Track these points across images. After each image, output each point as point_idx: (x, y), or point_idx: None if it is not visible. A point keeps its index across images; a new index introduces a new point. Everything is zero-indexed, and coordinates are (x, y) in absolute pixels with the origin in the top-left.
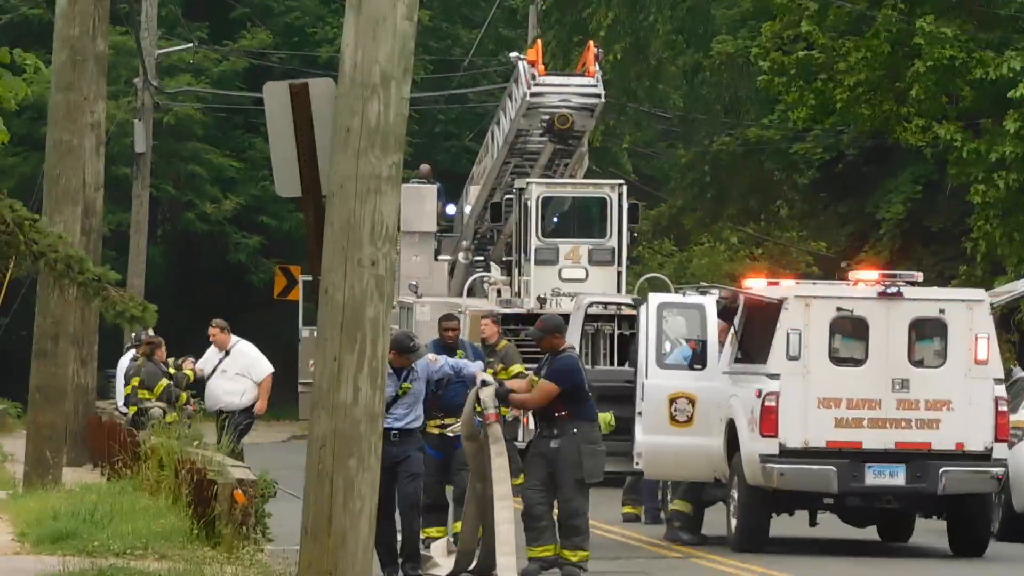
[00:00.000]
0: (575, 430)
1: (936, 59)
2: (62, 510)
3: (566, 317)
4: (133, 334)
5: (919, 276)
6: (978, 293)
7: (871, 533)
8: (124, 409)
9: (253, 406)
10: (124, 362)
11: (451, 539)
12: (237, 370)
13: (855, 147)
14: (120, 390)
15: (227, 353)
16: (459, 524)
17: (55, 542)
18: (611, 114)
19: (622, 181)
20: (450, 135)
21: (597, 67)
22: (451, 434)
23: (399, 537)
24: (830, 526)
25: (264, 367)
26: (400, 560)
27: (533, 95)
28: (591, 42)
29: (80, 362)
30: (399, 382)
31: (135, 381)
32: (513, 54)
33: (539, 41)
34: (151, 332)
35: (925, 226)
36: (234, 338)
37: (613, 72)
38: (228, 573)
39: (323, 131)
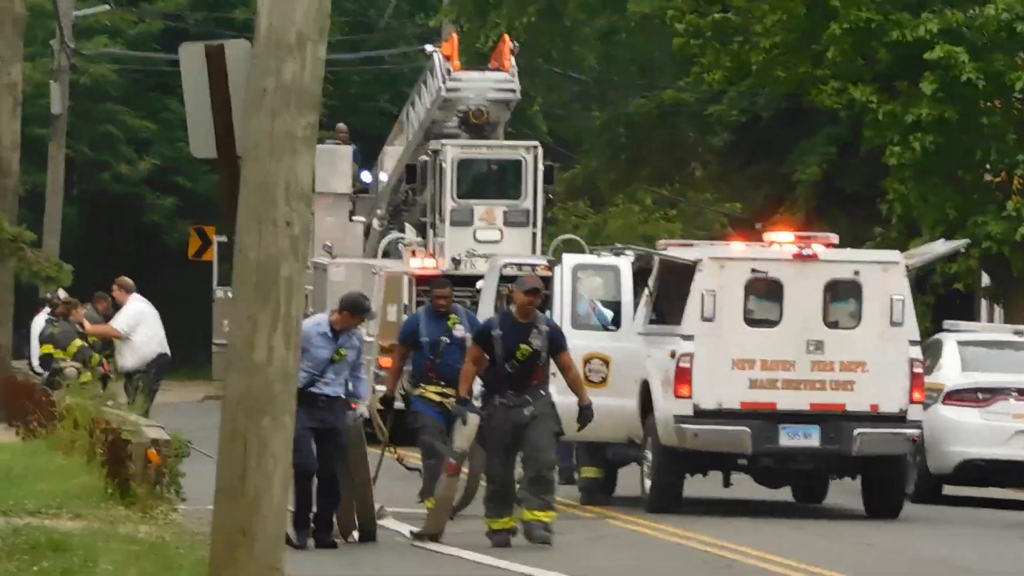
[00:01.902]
0: (543, 392)
1: (852, 21)
2: None
3: (480, 278)
4: (47, 294)
5: (834, 238)
6: (893, 255)
7: (785, 494)
8: (39, 369)
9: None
10: (38, 322)
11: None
12: (123, 327)
13: (770, 109)
14: (35, 350)
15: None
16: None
17: None
18: (525, 76)
19: (537, 143)
20: (366, 97)
21: (513, 61)
22: (449, 407)
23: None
24: (744, 487)
25: (116, 320)
26: (313, 527)
27: (449, 90)
28: (506, 35)
29: None
30: (335, 345)
31: (47, 347)
32: (428, 47)
33: (454, 35)
34: (62, 293)
35: (840, 188)
36: (131, 296)
37: (527, 34)
38: (142, 532)
39: (238, 92)
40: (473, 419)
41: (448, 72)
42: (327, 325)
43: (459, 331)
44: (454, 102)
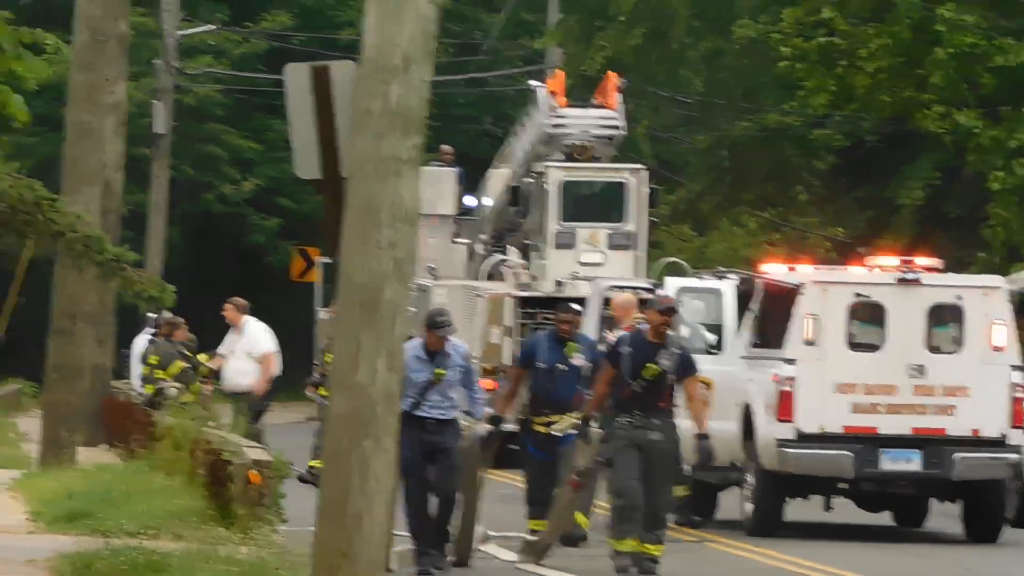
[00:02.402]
0: (671, 420)
1: (957, 46)
2: (77, 490)
3: (583, 301)
4: (151, 315)
5: (938, 262)
6: (995, 280)
7: (886, 518)
8: (140, 389)
9: (251, 389)
10: (140, 342)
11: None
12: (245, 349)
13: (875, 133)
14: (136, 370)
15: (241, 333)
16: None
17: (69, 521)
18: (630, 99)
19: (641, 166)
20: (470, 118)
21: (618, 98)
22: (557, 433)
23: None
24: (845, 511)
25: (263, 345)
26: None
27: (553, 126)
28: (611, 73)
29: (97, 341)
30: (432, 367)
31: (152, 360)
32: (533, 82)
33: (560, 71)
34: (168, 313)
35: (943, 212)
36: (245, 317)
37: (633, 56)
38: (243, 553)
39: (343, 113)
40: (594, 437)
41: (553, 108)
42: (421, 348)
43: (577, 360)
44: (558, 138)
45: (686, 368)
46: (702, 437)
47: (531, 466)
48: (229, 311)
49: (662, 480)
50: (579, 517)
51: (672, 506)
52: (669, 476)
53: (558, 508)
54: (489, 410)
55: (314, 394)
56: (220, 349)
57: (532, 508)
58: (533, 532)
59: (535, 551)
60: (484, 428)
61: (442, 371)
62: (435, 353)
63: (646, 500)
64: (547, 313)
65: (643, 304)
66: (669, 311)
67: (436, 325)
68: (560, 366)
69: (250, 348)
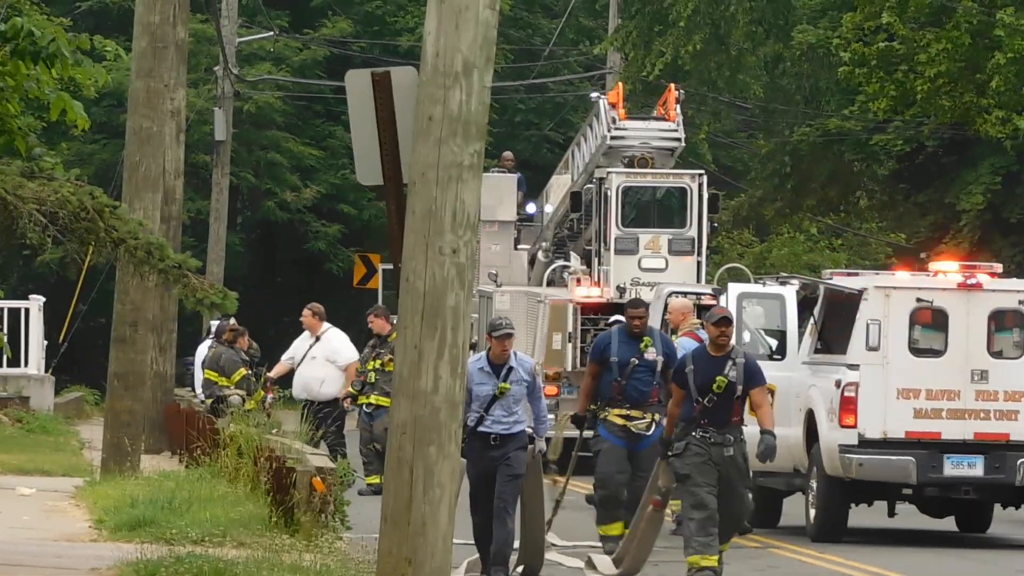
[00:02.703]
0: (741, 436)
1: (1016, 51)
2: (140, 497)
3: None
4: (212, 322)
5: (999, 267)
6: None
7: (949, 524)
8: (202, 397)
9: (336, 397)
10: (202, 350)
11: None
12: (325, 356)
13: (935, 138)
14: (198, 378)
15: (317, 339)
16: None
17: (132, 529)
18: (691, 104)
19: (702, 171)
20: (530, 124)
21: (678, 110)
22: (634, 430)
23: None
24: (908, 517)
25: (350, 354)
26: (491, 564)
27: (613, 138)
28: (672, 85)
29: (159, 349)
30: (497, 381)
31: (211, 374)
32: (594, 94)
33: (620, 84)
34: (232, 320)
35: (1004, 217)
36: (325, 325)
37: (693, 62)
38: (307, 561)
39: (405, 119)
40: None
41: (613, 121)
42: (486, 360)
43: (651, 354)
44: (618, 150)
45: (753, 378)
46: (766, 432)
47: (605, 452)
48: (308, 317)
49: (738, 497)
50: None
51: (751, 513)
52: (744, 493)
53: (640, 529)
54: (551, 432)
55: (352, 405)
56: (285, 356)
57: (603, 511)
58: (603, 539)
59: (619, 569)
60: (544, 444)
61: (506, 385)
62: (499, 366)
63: (725, 509)
64: (608, 320)
65: (704, 310)
66: (724, 322)
67: (497, 328)
68: (634, 360)
69: (333, 356)
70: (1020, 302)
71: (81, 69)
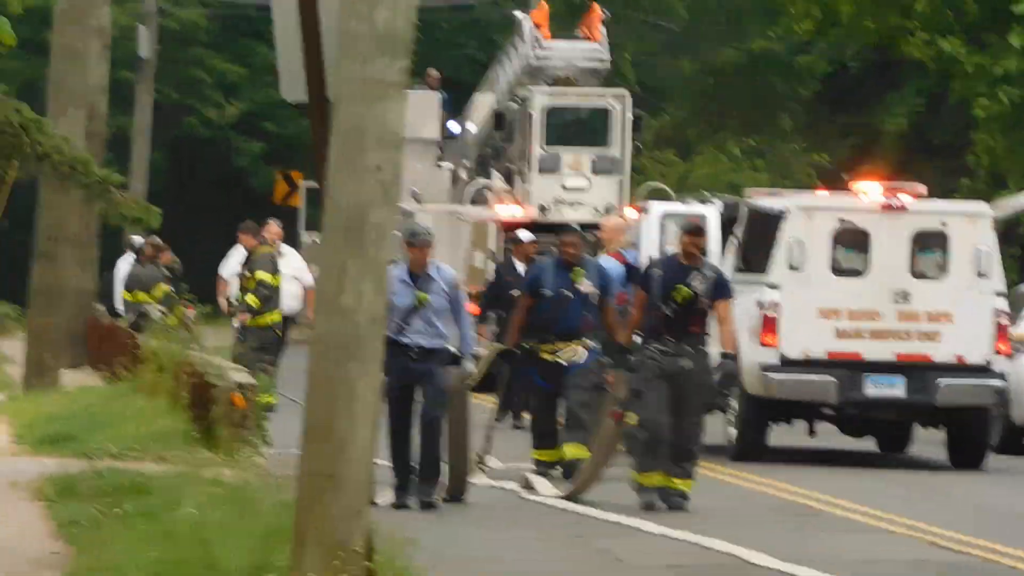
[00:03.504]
0: (703, 347)
1: None
2: (60, 412)
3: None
4: (134, 238)
5: (922, 189)
6: (980, 206)
7: (869, 444)
8: (120, 311)
9: (295, 315)
10: (123, 265)
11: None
12: (293, 273)
13: (859, 60)
14: (118, 293)
15: (280, 256)
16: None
17: (53, 444)
18: (614, 24)
19: (626, 91)
20: (454, 43)
21: (603, 30)
22: (563, 361)
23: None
24: (828, 436)
25: (309, 274)
26: (418, 480)
27: (538, 58)
28: (596, 5)
29: (80, 265)
30: (414, 290)
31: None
32: (519, 13)
33: (544, 3)
34: (153, 236)
35: (927, 139)
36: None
37: None
38: (226, 475)
39: (330, 37)
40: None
41: (538, 40)
42: (404, 270)
43: (584, 286)
44: (543, 70)
45: (719, 291)
46: (727, 356)
47: (537, 397)
48: (273, 231)
49: (693, 411)
50: (576, 449)
51: (701, 438)
52: (700, 406)
53: (600, 441)
54: (479, 349)
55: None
56: (224, 272)
57: (537, 439)
58: (538, 463)
59: (576, 486)
60: (472, 365)
61: (424, 295)
62: (418, 276)
63: (675, 432)
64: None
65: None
66: (696, 230)
67: (415, 235)
68: (566, 292)
69: (299, 273)
70: (943, 223)
71: None
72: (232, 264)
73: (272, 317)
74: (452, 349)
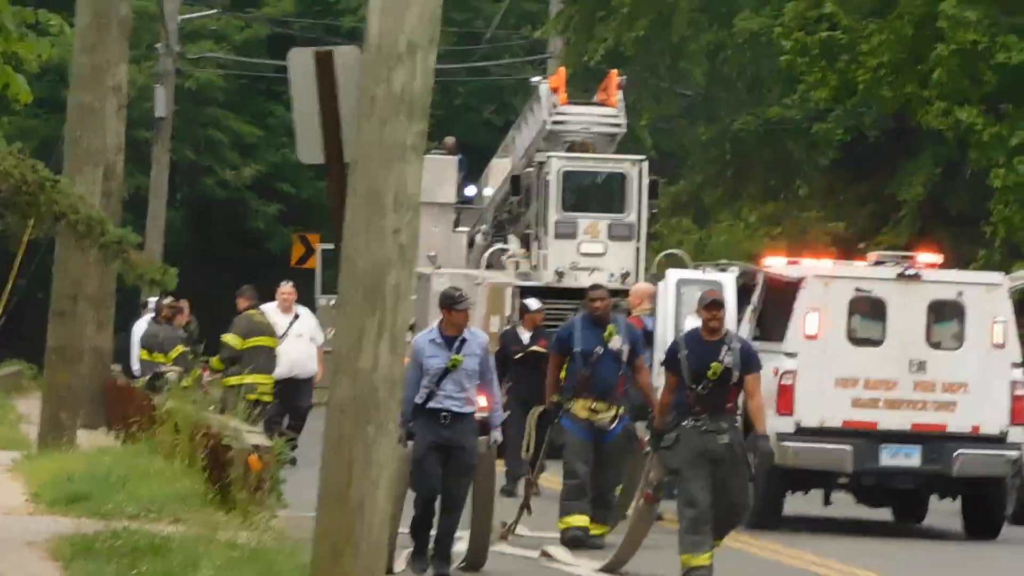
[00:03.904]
0: (736, 423)
1: (959, 42)
2: (76, 472)
3: (582, 292)
4: (149, 299)
5: (938, 258)
6: (997, 277)
7: (885, 514)
8: (137, 372)
9: (313, 377)
10: (140, 325)
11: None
12: (311, 334)
13: (876, 128)
14: (135, 353)
15: (297, 317)
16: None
17: (69, 503)
18: (632, 90)
19: (643, 157)
20: (470, 108)
21: (620, 95)
22: (597, 424)
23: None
24: (844, 506)
25: (321, 335)
26: (432, 555)
27: (554, 123)
28: (614, 72)
29: (97, 324)
30: (449, 353)
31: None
32: (536, 79)
33: (562, 69)
34: (170, 298)
35: (944, 209)
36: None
37: (635, 48)
38: (243, 537)
39: (347, 98)
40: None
41: (554, 105)
42: (437, 332)
43: (615, 343)
44: (559, 135)
45: (749, 363)
46: (760, 437)
47: (569, 444)
48: (291, 298)
49: (736, 485)
50: (599, 528)
51: (748, 507)
52: (744, 482)
53: (634, 523)
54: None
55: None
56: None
57: (567, 503)
58: (564, 531)
59: (608, 565)
60: (500, 434)
61: (459, 357)
62: (452, 338)
63: (719, 511)
64: (547, 302)
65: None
66: (714, 305)
67: (454, 301)
68: (598, 350)
69: (314, 333)
70: (959, 293)
71: (25, 43)
72: None
73: (233, 380)
74: (480, 417)
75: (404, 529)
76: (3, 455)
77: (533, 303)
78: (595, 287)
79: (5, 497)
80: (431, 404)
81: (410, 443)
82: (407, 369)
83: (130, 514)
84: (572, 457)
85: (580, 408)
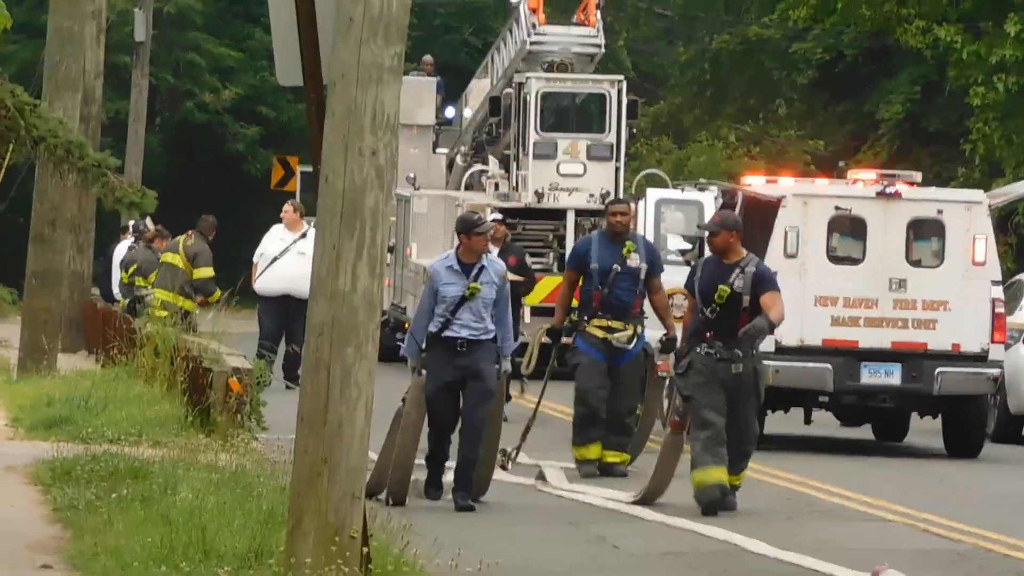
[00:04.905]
0: (753, 350)
1: None
2: (56, 396)
3: (563, 212)
4: (131, 222)
5: (917, 176)
6: (977, 194)
7: (865, 432)
8: (118, 296)
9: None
10: (120, 249)
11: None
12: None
13: (855, 47)
14: (115, 277)
15: (303, 235)
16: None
17: (49, 428)
18: (610, 10)
19: (621, 77)
20: (450, 28)
21: (598, 15)
22: (615, 343)
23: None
24: (824, 424)
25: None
26: (454, 484)
27: (533, 43)
28: None
29: (76, 248)
30: (467, 281)
31: (132, 268)
32: None
33: None
34: (150, 221)
35: (924, 127)
36: (305, 222)
37: None
38: (222, 460)
39: (325, 20)
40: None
41: (533, 26)
42: (455, 258)
43: (634, 260)
44: (538, 55)
45: (761, 285)
46: (761, 316)
47: (584, 367)
48: (290, 213)
49: (745, 414)
50: (616, 456)
51: (756, 435)
52: (753, 408)
53: (662, 455)
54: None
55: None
56: (257, 256)
57: (579, 429)
58: (579, 463)
59: (643, 499)
60: (508, 364)
61: (476, 285)
62: (470, 266)
63: (731, 434)
64: (527, 223)
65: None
66: (732, 225)
67: (472, 225)
68: (616, 267)
69: None
70: (939, 211)
71: None
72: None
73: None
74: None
75: (419, 461)
76: None
77: (494, 216)
78: (616, 200)
79: None
80: (447, 333)
81: (424, 372)
82: (422, 296)
83: (110, 438)
84: (586, 380)
85: (595, 328)
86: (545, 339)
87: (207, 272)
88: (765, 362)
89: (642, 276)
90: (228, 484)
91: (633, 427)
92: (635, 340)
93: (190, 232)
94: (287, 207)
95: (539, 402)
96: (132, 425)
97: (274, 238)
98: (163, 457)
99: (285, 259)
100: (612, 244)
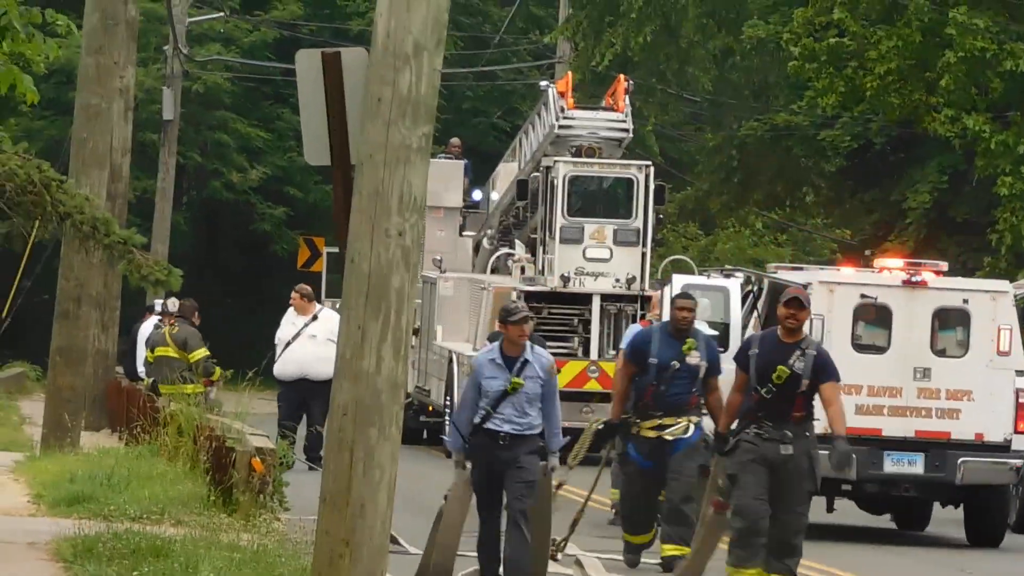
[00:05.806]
0: (808, 433)
1: (967, 50)
2: (79, 473)
3: (589, 297)
4: (155, 301)
5: (944, 266)
6: (1002, 284)
7: (888, 521)
8: (141, 374)
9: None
10: (146, 327)
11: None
12: (328, 336)
13: (883, 135)
14: (140, 355)
15: (314, 318)
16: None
17: (71, 505)
18: (639, 96)
19: (649, 162)
20: (478, 112)
21: (627, 100)
22: (669, 437)
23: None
24: (847, 513)
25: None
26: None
27: (561, 127)
28: (621, 76)
29: (101, 326)
30: (509, 375)
31: (161, 350)
32: (543, 83)
33: (570, 73)
34: (173, 300)
35: (951, 216)
36: (318, 305)
37: (642, 53)
38: (244, 540)
39: (354, 100)
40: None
41: (562, 110)
42: (498, 352)
43: (694, 358)
44: (566, 139)
45: (823, 371)
46: (838, 438)
47: (631, 476)
48: (297, 300)
49: (794, 500)
50: (675, 549)
51: (803, 528)
52: (803, 496)
53: (703, 534)
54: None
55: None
56: (278, 334)
57: (629, 524)
58: (627, 546)
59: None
60: (556, 462)
61: (519, 380)
62: (513, 359)
63: (775, 525)
64: (552, 307)
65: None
66: (795, 303)
67: (508, 313)
68: (675, 363)
69: (333, 335)
70: (964, 301)
71: (32, 43)
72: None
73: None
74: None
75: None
76: (6, 456)
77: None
78: (683, 295)
79: (8, 498)
80: (488, 425)
81: (468, 466)
82: (465, 387)
83: (132, 516)
84: (630, 490)
85: (647, 429)
86: (599, 428)
87: (202, 353)
88: None
89: (701, 374)
90: (249, 564)
91: (692, 516)
92: (691, 428)
93: (172, 320)
94: (294, 293)
95: (590, 494)
96: (154, 503)
97: (287, 323)
98: (185, 536)
99: (297, 343)
100: (673, 339)
